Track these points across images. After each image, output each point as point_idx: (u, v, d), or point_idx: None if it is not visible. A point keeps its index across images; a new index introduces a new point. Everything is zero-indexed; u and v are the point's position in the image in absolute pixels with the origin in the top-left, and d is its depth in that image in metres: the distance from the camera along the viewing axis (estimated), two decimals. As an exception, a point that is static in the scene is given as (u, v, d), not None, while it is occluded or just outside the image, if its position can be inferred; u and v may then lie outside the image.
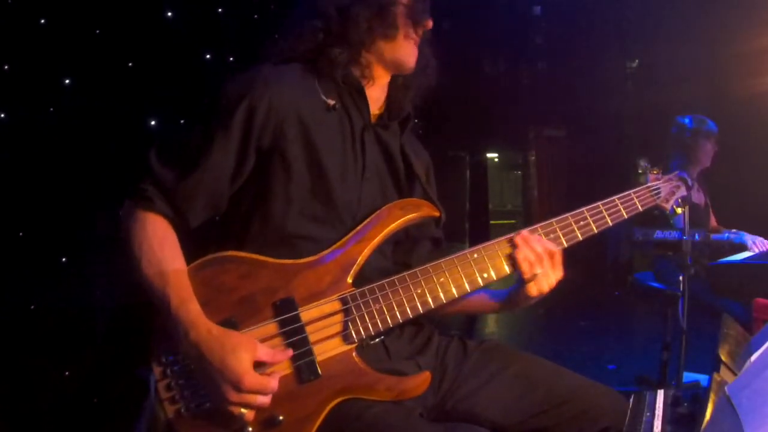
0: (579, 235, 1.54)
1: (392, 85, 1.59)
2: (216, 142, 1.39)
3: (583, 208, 1.57)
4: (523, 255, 1.46)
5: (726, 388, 1.01)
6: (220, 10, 3.36)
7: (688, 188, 1.78)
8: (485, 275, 1.46)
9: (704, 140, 3.67)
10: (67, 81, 2.84)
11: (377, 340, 1.44)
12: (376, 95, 1.56)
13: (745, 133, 5.10)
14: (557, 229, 1.53)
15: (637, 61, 7.80)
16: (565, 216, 1.56)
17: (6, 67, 2.71)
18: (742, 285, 2.95)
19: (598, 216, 1.57)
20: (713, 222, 3.92)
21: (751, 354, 1.12)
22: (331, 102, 1.49)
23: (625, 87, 7.92)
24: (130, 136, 3.07)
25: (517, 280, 1.52)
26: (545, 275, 1.48)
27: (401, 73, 1.56)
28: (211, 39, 3.33)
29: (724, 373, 1.21)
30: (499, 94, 8.14)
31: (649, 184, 1.72)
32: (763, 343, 1.13)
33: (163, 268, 1.33)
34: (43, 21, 2.76)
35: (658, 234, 3.40)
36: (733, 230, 3.69)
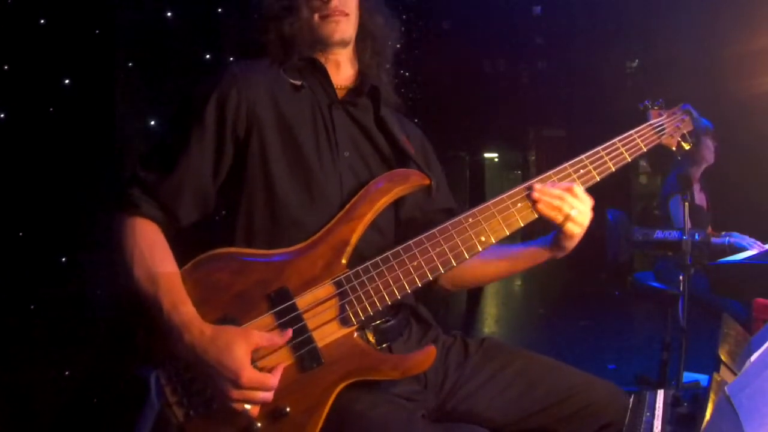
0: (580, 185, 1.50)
1: (359, 59, 1.59)
2: (192, 139, 1.42)
3: (582, 156, 1.53)
4: (546, 204, 1.45)
5: (726, 388, 1.01)
6: (220, 10, 3.36)
7: (695, 121, 1.68)
8: (483, 239, 1.43)
9: (703, 137, 3.68)
10: (67, 81, 2.84)
11: (384, 346, 1.43)
12: (341, 71, 1.56)
13: (745, 134, 5.09)
14: (556, 182, 1.50)
15: (637, 61, 7.80)
16: (563, 166, 1.51)
17: (6, 67, 2.70)
18: (742, 285, 2.95)
19: (600, 162, 1.53)
20: (709, 230, 3.92)
21: (751, 354, 1.12)
22: (298, 83, 1.51)
23: (625, 87, 7.92)
24: (130, 136, 3.07)
25: (554, 227, 1.49)
26: (578, 212, 1.45)
27: (335, 48, 1.54)
28: (211, 39, 3.33)
29: (724, 373, 1.22)
30: (499, 94, 8.14)
31: (651, 122, 1.63)
32: (763, 343, 1.13)
33: (154, 273, 1.33)
34: (43, 21, 2.76)
35: (658, 234, 3.41)
36: (727, 233, 3.69)
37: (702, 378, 3.15)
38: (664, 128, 1.64)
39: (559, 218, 1.46)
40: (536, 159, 10.68)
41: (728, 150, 3.94)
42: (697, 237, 3.41)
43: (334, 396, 1.32)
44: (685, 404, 1.28)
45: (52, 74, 2.82)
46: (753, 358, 1.10)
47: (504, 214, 1.45)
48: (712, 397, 1.08)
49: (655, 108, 1.68)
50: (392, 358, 1.37)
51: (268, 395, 1.27)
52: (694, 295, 3.05)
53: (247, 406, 1.26)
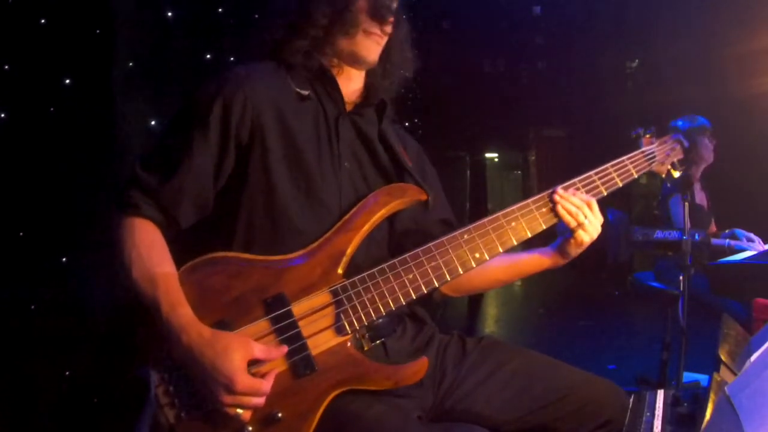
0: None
1: (369, 78, 1.59)
2: (195, 142, 1.41)
3: (575, 179, 1.58)
4: (566, 208, 1.51)
5: (726, 388, 1.01)
6: (220, 10, 3.36)
7: (684, 150, 1.75)
8: (477, 255, 1.46)
9: (700, 136, 3.67)
10: (67, 81, 2.84)
11: (378, 342, 1.44)
12: (351, 84, 1.56)
13: (745, 133, 5.10)
14: (549, 202, 1.54)
15: (637, 61, 7.80)
16: (554, 189, 1.55)
17: (6, 67, 2.70)
18: (742, 285, 2.95)
19: (592, 186, 1.58)
20: (712, 227, 3.92)
21: (751, 354, 1.12)
22: (305, 92, 1.49)
23: (625, 87, 7.92)
24: (130, 136, 3.07)
25: (561, 235, 1.57)
26: (590, 222, 1.53)
27: (361, 68, 1.55)
28: (211, 39, 3.33)
29: (724, 373, 1.22)
30: (499, 94, 8.14)
31: (643, 149, 1.69)
32: (763, 343, 1.13)
33: (152, 274, 1.33)
34: (43, 21, 2.76)
35: (658, 234, 3.40)
36: (728, 231, 3.69)
37: (702, 378, 3.15)
38: (654, 156, 1.70)
39: (573, 223, 1.52)
40: (536, 159, 10.67)
41: (728, 150, 3.94)
42: (697, 237, 3.41)
43: (326, 403, 1.32)
44: (685, 404, 1.28)
45: (53, 74, 2.82)
46: (753, 358, 1.10)
47: (498, 231, 1.49)
48: (712, 397, 1.08)
49: (647, 135, 1.73)
50: (386, 368, 1.37)
51: (261, 401, 1.27)
52: (694, 295, 3.04)
53: (239, 411, 1.27)
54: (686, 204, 2.75)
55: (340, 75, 1.53)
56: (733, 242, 3.57)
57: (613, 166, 1.61)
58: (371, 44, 1.50)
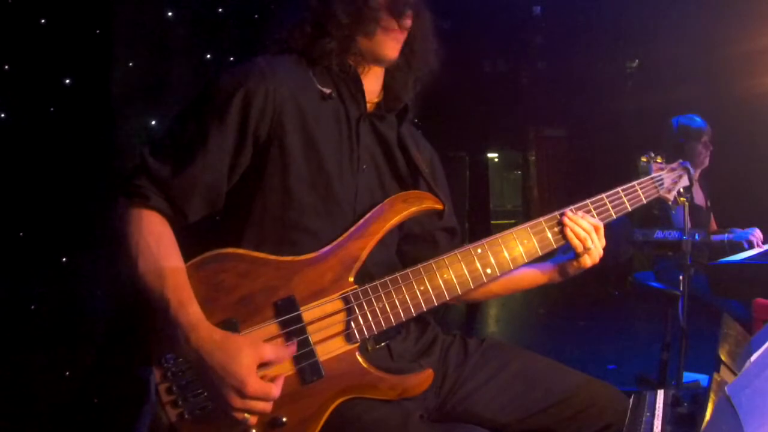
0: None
1: (388, 74, 1.56)
2: (212, 134, 1.35)
3: (587, 200, 1.58)
4: (575, 232, 1.52)
5: (726, 388, 1.01)
6: (220, 10, 3.36)
7: (690, 177, 1.77)
8: (488, 271, 1.46)
9: (693, 141, 3.64)
10: (67, 81, 2.84)
11: (382, 344, 1.44)
12: (372, 84, 1.52)
13: (745, 134, 5.09)
14: (559, 223, 1.54)
15: (637, 61, 7.80)
16: (563, 211, 1.55)
17: (6, 67, 2.70)
18: (742, 285, 2.94)
19: (603, 209, 1.59)
20: (713, 225, 3.92)
21: (751, 354, 1.12)
22: (327, 91, 1.46)
23: (625, 87, 7.92)
24: (130, 135, 3.08)
25: (563, 254, 1.59)
26: (595, 248, 1.55)
27: (383, 65, 1.52)
28: (211, 39, 3.33)
29: (724, 373, 1.22)
30: (499, 94, 8.14)
31: (652, 176, 1.71)
32: (763, 343, 1.13)
33: (161, 268, 1.29)
34: (43, 21, 2.76)
35: (658, 234, 3.40)
36: (729, 229, 3.69)
37: (702, 378, 3.15)
38: (663, 183, 1.73)
39: (580, 248, 1.54)
40: (536, 159, 10.68)
41: (728, 150, 3.94)
42: (697, 237, 3.41)
43: (330, 410, 1.32)
44: (685, 404, 1.28)
45: (53, 74, 2.82)
46: (753, 358, 1.10)
47: (511, 249, 1.49)
48: (712, 397, 1.08)
49: (657, 161, 1.76)
50: (391, 378, 1.37)
51: (269, 406, 1.25)
52: (694, 295, 3.04)
53: (246, 415, 1.25)
54: (686, 204, 2.74)
55: (363, 74, 1.49)
56: (732, 236, 3.56)
57: (624, 190, 1.64)
58: (390, 41, 1.47)
